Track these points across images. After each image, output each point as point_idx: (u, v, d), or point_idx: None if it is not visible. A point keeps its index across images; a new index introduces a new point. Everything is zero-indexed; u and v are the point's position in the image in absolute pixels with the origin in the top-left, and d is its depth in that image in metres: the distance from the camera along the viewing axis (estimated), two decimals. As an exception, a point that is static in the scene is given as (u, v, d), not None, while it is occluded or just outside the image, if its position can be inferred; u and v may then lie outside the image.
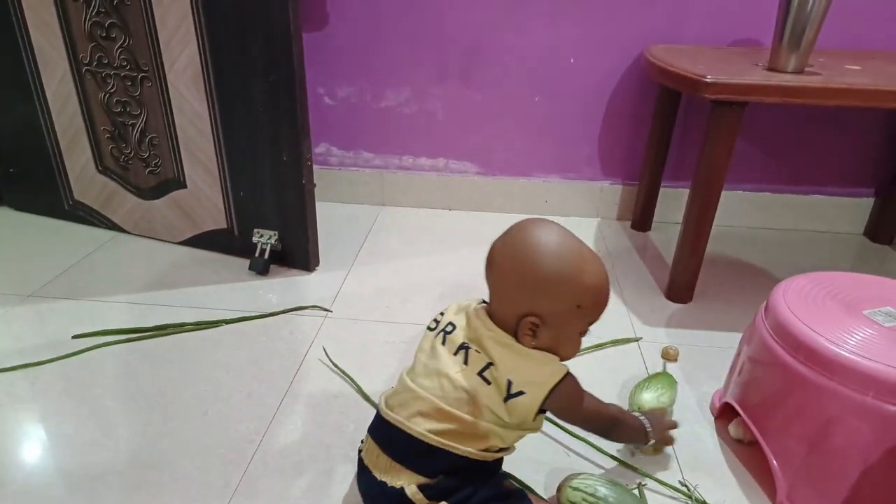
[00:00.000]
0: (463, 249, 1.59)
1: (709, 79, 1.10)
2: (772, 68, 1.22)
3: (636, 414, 0.86)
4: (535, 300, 0.68)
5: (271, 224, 1.41)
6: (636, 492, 0.84)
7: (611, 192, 1.77)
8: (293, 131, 1.27)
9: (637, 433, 0.84)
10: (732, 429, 0.94)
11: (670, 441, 0.90)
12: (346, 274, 1.44)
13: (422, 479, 0.69)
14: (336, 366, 1.10)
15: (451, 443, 0.68)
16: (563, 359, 0.73)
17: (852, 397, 0.72)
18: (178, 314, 1.24)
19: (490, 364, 0.69)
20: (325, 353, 1.14)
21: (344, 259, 1.51)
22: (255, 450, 0.91)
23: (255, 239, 1.42)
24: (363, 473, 0.74)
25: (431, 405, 0.69)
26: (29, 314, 1.24)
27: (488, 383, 0.69)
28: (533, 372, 0.69)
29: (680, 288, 1.35)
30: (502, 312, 0.71)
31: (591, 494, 0.78)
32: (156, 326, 1.20)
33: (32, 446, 0.92)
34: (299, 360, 1.12)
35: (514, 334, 0.70)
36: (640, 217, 1.72)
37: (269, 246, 1.41)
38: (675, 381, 1.03)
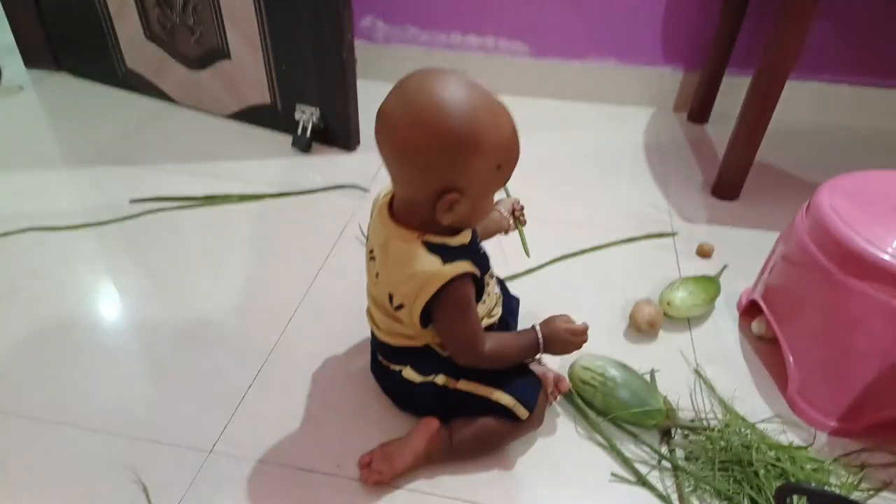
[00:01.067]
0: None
1: (789, -52, 0.98)
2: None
3: (536, 327, 0.73)
4: (452, 170, 0.57)
5: (313, 100, 1.41)
6: (647, 377, 0.87)
7: (670, 80, 1.66)
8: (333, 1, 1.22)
9: (521, 354, 0.73)
10: (755, 325, 0.94)
11: (572, 348, 0.75)
12: (386, 154, 1.44)
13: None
14: (371, 242, 1.14)
15: (407, 344, 0.71)
16: (475, 225, 0.68)
17: (882, 299, 0.70)
18: (225, 185, 1.29)
19: (378, 273, 0.66)
20: (361, 230, 1.18)
21: (385, 139, 1.50)
22: (291, 314, 0.98)
23: (297, 115, 1.43)
24: (373, 358, 0.81)
25: (378, 315, 0.72)
26: (90, 177, 1.32)
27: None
28: (409, 283, 0.62)
29: (727, 184, 1.30)
30: (410, 195, 0.62)
31: (601, 374, 0.81)
32: (204, 196, 1.26)
33: (96, 296, 1.02)
34: (336, 236, 1.16)
35: (422, 218, 0.62)
36: (699, 108, 1.62)
37: (311, 123, 1.42)
38: (719, 289, 1.01)
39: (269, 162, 1.40)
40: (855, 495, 0.72)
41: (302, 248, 1.13)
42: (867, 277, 0.71)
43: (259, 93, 1.46)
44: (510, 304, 0.87)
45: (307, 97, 1.41)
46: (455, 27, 1.69)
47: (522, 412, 0.71)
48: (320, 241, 1.15)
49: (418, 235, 0.63)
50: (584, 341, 0.74)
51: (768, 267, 0.93)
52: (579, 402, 0.81)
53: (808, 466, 0.73)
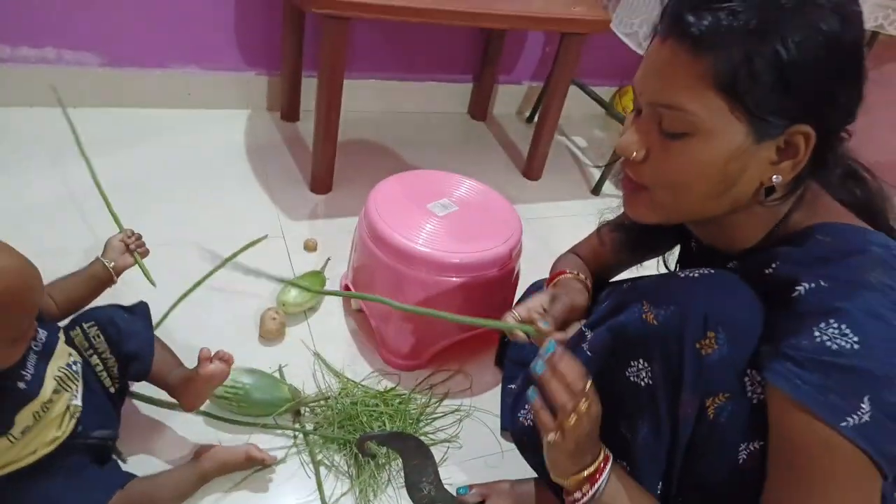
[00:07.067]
0: (96, 156, 1.42)
1: (312, -8, 1.18)
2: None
3: None
4: None
5: None
6: (276, 374, 1.03)
7: (257, 83, 1.78)
8: None
9: None
10: (353, 302, 1.19)
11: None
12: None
13: None
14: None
15: None
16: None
17: (415, 274, 1.00)
18: None
19: None
20: None
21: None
22: None
23: None
24: None
25: None
26: None
27: None
28: None
29: (320, 178, 1.51)
30: None
31: (232, 385, 0.93)
32: None
33: None
34: None
35: None
36: (289, 107, 1.79)
37: None
38: (324, 280, 1.21)
39: None
40: (429, 409, 1.03)
41: None
42: (403, 261, 1.00)
43: None
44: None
45: None
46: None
47: None
48: None
49: None
50: None
51: (351, 255, 1.17)
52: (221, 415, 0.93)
53: (397, 401, 1.01)
